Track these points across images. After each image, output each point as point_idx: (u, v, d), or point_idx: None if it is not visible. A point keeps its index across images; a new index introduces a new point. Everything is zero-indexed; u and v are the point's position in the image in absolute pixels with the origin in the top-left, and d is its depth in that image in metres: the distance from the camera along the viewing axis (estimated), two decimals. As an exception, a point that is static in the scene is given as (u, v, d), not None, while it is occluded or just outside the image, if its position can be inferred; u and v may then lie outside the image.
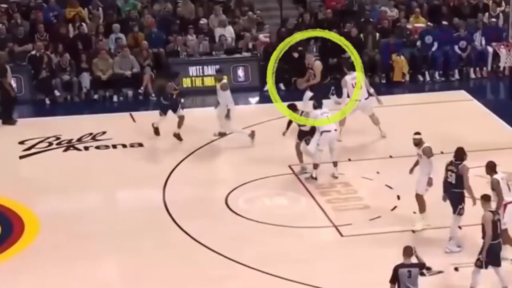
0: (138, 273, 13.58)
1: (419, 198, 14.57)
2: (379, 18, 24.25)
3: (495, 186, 13.27)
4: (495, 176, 13.35)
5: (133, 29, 23.12)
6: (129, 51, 22.37)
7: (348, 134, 18.48)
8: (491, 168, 13.48)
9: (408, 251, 11.63)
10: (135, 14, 23.88)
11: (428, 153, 14.48)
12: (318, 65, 19.33)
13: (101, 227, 15.01)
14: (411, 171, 14.84)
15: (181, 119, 18.55)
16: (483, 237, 12.41)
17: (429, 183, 14.42)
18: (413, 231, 14.53)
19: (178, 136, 18.50)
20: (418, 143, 14.60)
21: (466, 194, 13.81)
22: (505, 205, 13.28)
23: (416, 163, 14.76)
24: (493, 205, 12.90)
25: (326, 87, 19.98)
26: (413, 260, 11.63)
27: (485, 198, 12.58)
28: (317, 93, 18.83)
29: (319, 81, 19.28)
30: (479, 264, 12.41)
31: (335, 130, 16.77)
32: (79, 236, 14.71)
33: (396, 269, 11.56)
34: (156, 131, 18.75)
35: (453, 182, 13.78)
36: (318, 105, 16.78)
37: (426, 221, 14.58)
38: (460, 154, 13.88)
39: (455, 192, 13.80)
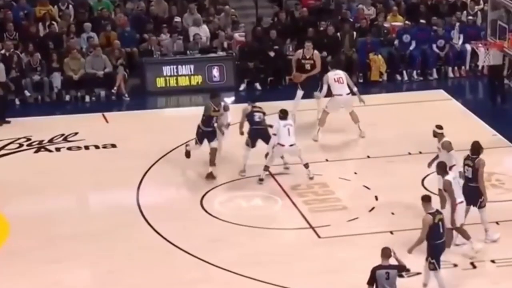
0: (110, 277, 13.55)
1: (442, 194, 14.66)
2: (356, 16, 24.34)
3: (447, 187, 13.42)
4: (447, 177, 13.50)
5: (105, 28, 23.05)
6: (101, 50, 22.31)
7: (326, 134, 18.53)
8: (442, 168, 13.61)
9: (386, 253, 11.68)
10: (107, 13, 23.82)
11: (448, 147, 14.60)
12: (318, 54, 19.52)
13: (72, 230, 14.95)
14: (430, 165, 14.88)
15: (213, 152, 16.73)
16: (426, 239, 12.52)
17: (461, 176, 14.34)
18: (392, 232, 14.57)
19: (211, 176, 16.69)
20: (435, 135, 14.77)
21: None
22: (456, 205, 13.49)
23: (435, 158, 14.80)
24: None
25: (316, 81, 19.80)
26: (391, 261, 11.68)
27: (425, 199, 12.66)
28: (307, 89, 19.01)
29: (319, 71, 19.35)
30: (433, 267, 12.51)
31: (291, 145, 16.47)
32: (49, 239, 14.65)
33: (373, 271, 11.60)
34: (187, 154, 17.20)
35: (470, 176, 13.94)
36: (283, 116, 16.60)
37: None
38: (476, 148, 14.05)
39: (472, 186, 13.93)
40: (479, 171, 13.87)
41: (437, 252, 12.51)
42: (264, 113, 17.13)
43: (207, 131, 16.73)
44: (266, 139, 16.85)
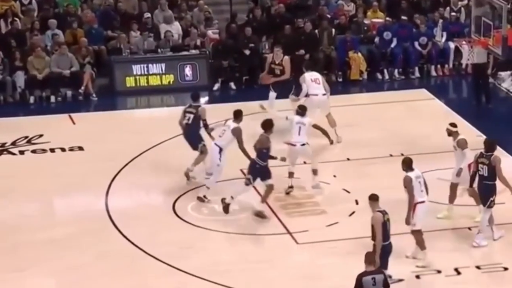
0: (77, 286, 13.48)
1: (471, 192, 14.84)
2: (335, 13, 24.41)
3: (407, 183, 13.63)
4: (409, 174, 13.69)
5: (72, 24, 22.97)
6: (67, 48, 22.22)
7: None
8: (407, 164, 13.80)
9: (370, 258, 11.70)
10: (74, 9, 23.74)
11: (463, 145, 14.87)
12: (288, 60, 19.45)
13: (37, 236, 14.88)
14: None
15: (270, 189, 15.41)
16: (373, 239, 12.62)
17: (458, 173, 14.80)
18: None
19: (261, 215, 15.48)
20: (450, 133, 15.03)
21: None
22: (415, 205, 13.65)
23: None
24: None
25: (289, 85, 19.69)
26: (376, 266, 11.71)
27: (372, 198, 12.81)
28: (281, 91, 18.95)
29: (288, 77, 19.32)
30: None
31: (303, 144, 16.28)
32: (13, 246, 14.56)
33: (359, 278, 11.59)
34: (226, 208, 15.50)
35: (485, 174, 14.18)
36: (302, 111, 16.46)
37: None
38: (490, 145, 14.33)
39: (488, 184, 14.18)
40: (497, 168, 14.16)
41: (382, 253, 12.57)
42: (195, 114, 16.60)
43: (264, 165, 15.33)
44: (191, 145, 16.62)
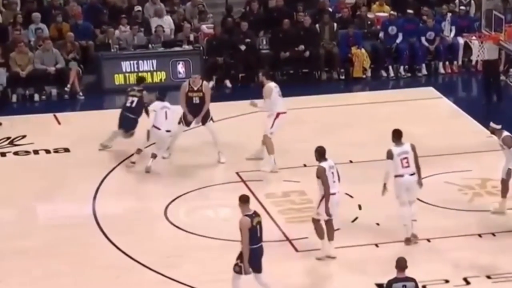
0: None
1: (505, 184, 15.14)
2: (337, 6, 24.50)
3: (320, 174, 13.85)
4: (322, 164, 13.92)
5: (56, 18, 23.05)
6: (52, 43, 22.30)
7: (302, 137, 18.57)
8: (320, 154, 14.04)
9: (401, 264, 11.66)
10: (59, 2, 23.81)
11: (509, 142, 15.08)
12: (207, 86, 18.19)
13: (19, 245, 14.88)
14: None
15: None
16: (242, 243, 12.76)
17: (508, 173, 15.03)
18: (377, 245, 14.68)
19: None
20: (493, 132, 15.28)
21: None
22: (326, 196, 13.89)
23: None
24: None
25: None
26: (407, 273, 11.73)
27: (242, 200, 12.80)
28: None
29: (208, 107, 17.89)
30: (238, 270, 12.72)
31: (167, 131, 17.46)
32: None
33: (389, 284, 11.62)
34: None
35: None
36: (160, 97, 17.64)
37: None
38: None
39: None
40: None
41: (252, 257, 12.69)
42: (139, 98, 18.06)
43: None
44: (126, 126, 18.07)
